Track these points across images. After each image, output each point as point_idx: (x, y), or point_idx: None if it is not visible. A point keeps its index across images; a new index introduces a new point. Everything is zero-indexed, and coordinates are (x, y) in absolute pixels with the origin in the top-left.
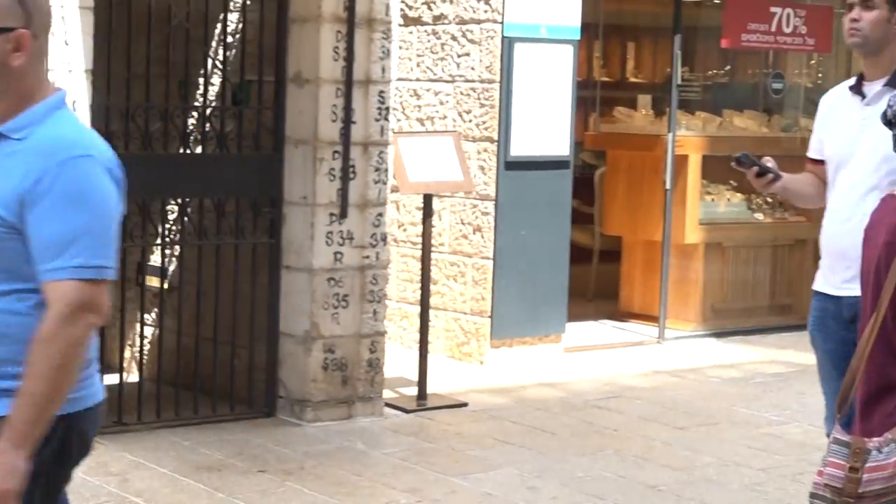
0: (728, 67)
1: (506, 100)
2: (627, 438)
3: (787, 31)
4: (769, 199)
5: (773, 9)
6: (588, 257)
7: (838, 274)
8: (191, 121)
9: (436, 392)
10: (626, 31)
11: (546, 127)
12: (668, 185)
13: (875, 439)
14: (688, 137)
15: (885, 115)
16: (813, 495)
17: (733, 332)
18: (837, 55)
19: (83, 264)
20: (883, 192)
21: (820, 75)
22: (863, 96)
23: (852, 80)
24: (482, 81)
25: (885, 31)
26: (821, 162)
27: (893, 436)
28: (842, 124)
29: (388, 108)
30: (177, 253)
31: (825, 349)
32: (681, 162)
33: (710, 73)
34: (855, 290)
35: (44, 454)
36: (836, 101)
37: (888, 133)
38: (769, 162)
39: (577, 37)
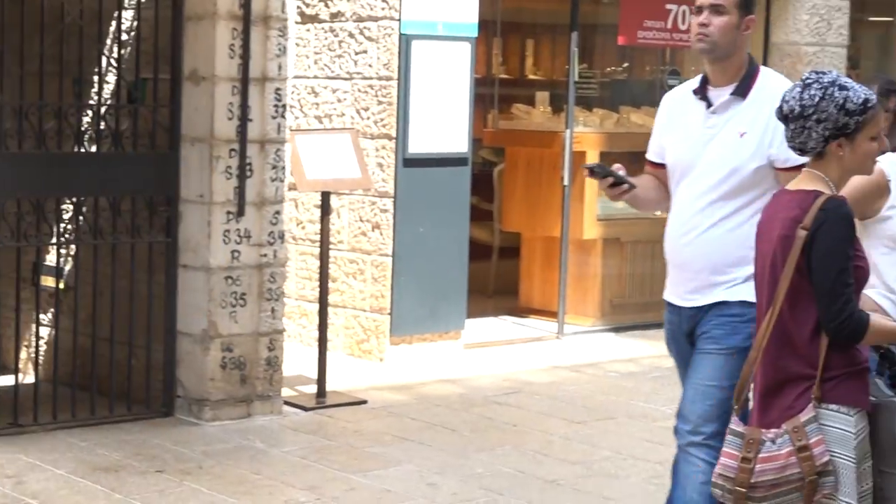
0: (626, 64)
1: (404, 97)
2: (526, 433)
3: (683, 27)
4: None
5: (668, 6)
6: (487, 254)
7: (681, 285)
8: (86, 119)
9: (335, 390)
10: (524, 28)
11: (444, 124)
12: (566, 182)
13: (772, 430)
14: (585, 134)
15: (780, 109)
16: (713, 484)
17: (631, 326)
18: None
19: None
20: (727, 204)
21: None
22: (708, 103)
23: (696, 82)
24: (380, 79)
25: (735, 38)
26: (662, 165)
27: (788, 427)
28: (685, 131)
29: (284, 106)
30: (72, 252)
31: (679, 360)
32: (579, 158)
33: (607, 69)
34: (694, 301)
35: None
36: (680, 105)
37: (736, 144)
38: (621, 170)
39: (475, 34)
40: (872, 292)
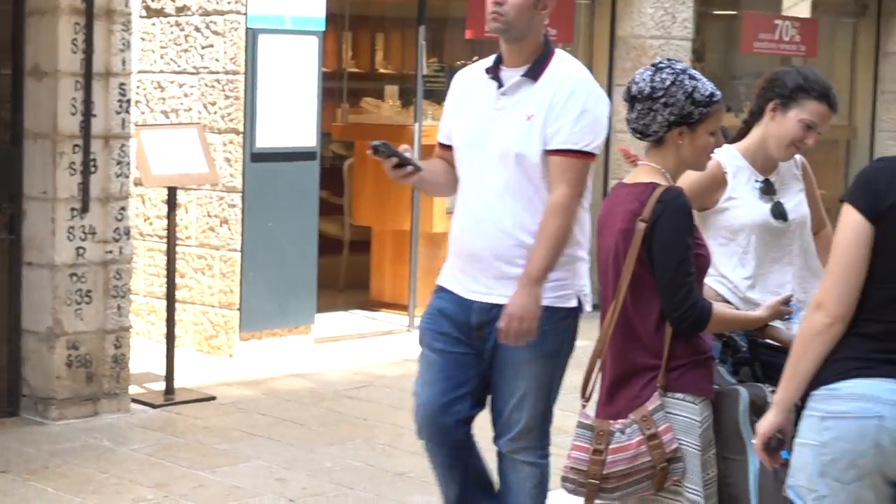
0: (475, 58)
1: (251, 91)
2: (376, 427)
3: None
4: None
5: None
6: (338, 248)
7: (469, 276)
8: None
9: (184, 386)
10: (373, 21)
11: (292, 118)
12: None
13: (619, 421)
14: (434, 127)
15: (628, 90)
16: (564, 478)
17: None
18: (579, 45)
19: None
20: (518, 192)
21: None
22: (499, 83)
23: (490, 61)
24: (227, 73)
25: (531, 18)
26: (451, 147)
27: (636, 417)
28: (474, 112)
29: (129, 101)
30: None
31: (435, 348)
32: (427, 152)
33: (456, 63)
34: (488, 298)
35: None
36: (471, 84)
37: (523, 127)
38: (408, 152)
39: (322, 28)
40: (710, 280)
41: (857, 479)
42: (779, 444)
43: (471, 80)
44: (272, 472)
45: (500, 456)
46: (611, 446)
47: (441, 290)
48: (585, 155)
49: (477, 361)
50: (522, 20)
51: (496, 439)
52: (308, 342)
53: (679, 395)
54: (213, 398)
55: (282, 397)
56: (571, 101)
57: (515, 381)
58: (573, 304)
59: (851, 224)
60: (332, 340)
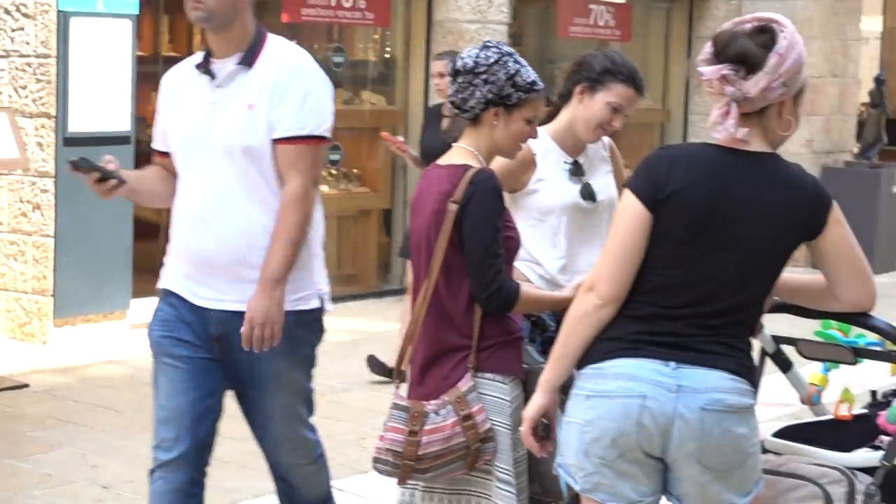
0: (293, 41)
1: (63, 75)
2: None
3: (347, 5)
4: (333, 172)
5: None
6: (154, 232)
7: (197, 281)
8: None
9: None
10: None
11: (106, 102)
12: None
13: (432, 402)
14: None
15: (454, 64)
16: (376, 460)
17: None
18: (397, 29)
19: None
20: (250, 188)
21: (387, 48)
22: (212, 76)
23: (198, 57)
24: (38, 56)
25: (234, 4)
26: (168, 154)
27: (449, 398)
28: (188, 109)
29: None
30: None
31: (179, 356)
32: None
33: None
34: (221, 304)
35: None
36: (181, 83)
37: (245, 118)
38: (111, 165)
39: (136, 11)
40: (520, 264)
41: (619, 455)
42: (545, 430)
43: (180, 79)
44: (86, 458)
45: (275, 464)
46: (425, 427)
47: (169, 295)
48: (315, 139)
49: (221, 369)
50: (225, 6)
51: (268, 454)
52: (124, 328)
53: (489, 374)
54: (26, 386)
55: (97, 384)
56: (293, 84)
57: (277, 396)
58: (315, 304)
59: (630, 210)
60: (148, 326)
